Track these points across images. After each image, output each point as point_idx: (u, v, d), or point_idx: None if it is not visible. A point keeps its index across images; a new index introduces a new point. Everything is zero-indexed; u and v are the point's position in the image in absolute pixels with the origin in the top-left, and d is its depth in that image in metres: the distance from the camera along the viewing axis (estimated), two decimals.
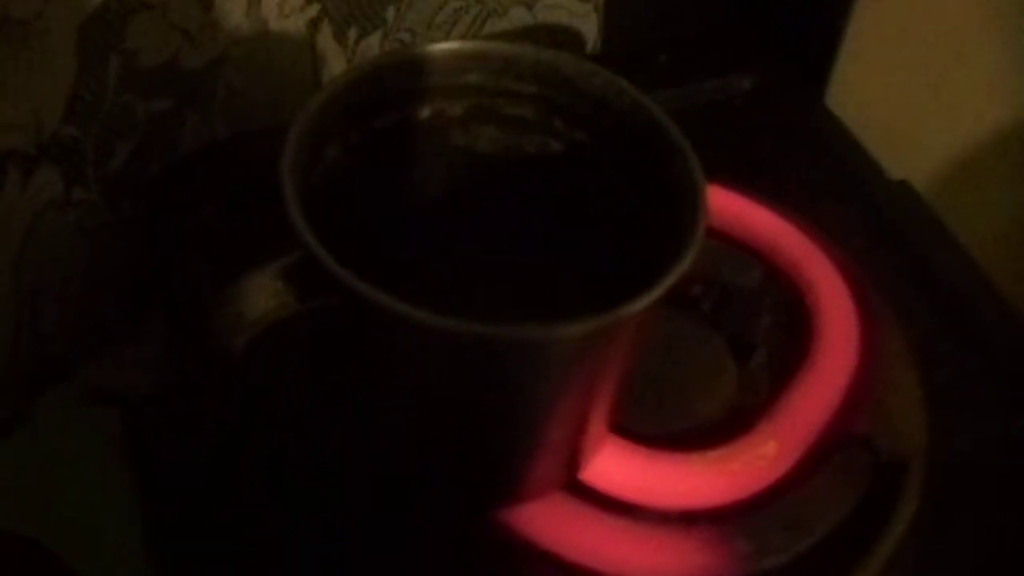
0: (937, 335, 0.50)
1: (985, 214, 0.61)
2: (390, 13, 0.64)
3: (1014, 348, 0.51)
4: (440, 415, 0.38)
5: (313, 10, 0.60)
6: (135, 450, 0.48)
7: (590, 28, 0.73)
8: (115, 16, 0.49)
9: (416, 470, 0.41)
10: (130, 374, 0.54)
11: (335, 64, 0.64)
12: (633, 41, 0.74)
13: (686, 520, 0.42)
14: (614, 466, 0.43)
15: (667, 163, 0.38)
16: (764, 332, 0.49)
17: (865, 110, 0.59)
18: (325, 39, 0.62)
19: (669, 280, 0.34)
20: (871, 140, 0.58)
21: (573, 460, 0.42)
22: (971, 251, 0.55)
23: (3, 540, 0.49)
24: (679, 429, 0.45)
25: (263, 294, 0.34)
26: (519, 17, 0.70)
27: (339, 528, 0.42)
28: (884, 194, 0.56)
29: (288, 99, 0.62)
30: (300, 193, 0.34)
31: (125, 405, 0.52)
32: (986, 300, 0.52)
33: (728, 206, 0.50)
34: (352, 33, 0.63)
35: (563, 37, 0.73)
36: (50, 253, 0.52)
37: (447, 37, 0.68)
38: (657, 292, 0.34)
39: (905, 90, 0.61)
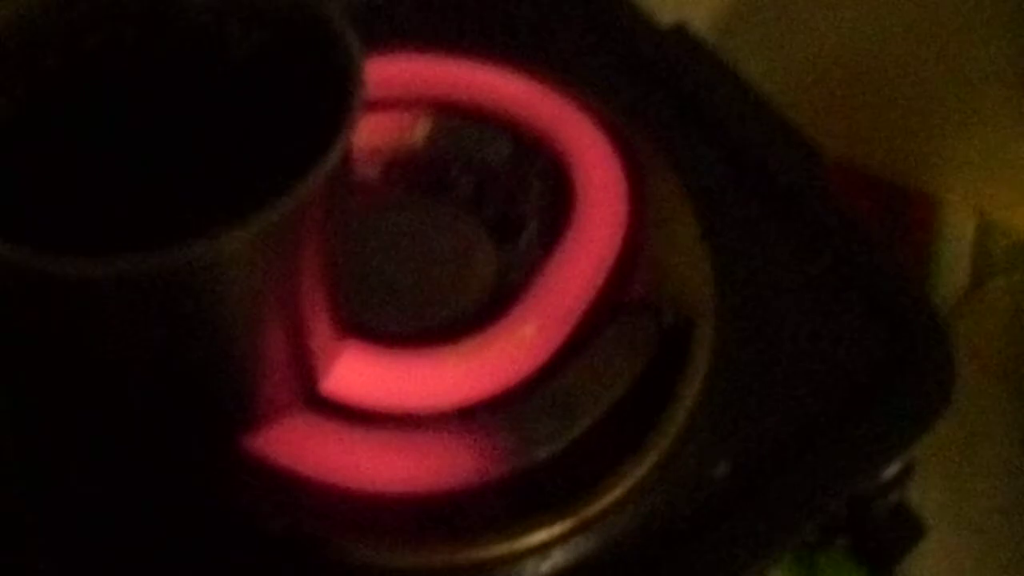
0: (722, 182, 0.47)
1: (768, 58, 0.58)
2: None
3: (804, 187, 0.47)
4: (137, 359, 0.34)
5: None
6: None
7: None
8: None
9: (135, 417, 0.37)
10: None
11: None
12: None
13: (443, 421, 0.39)
14: (356, 373, 0.39)
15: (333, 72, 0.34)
16: (532, 206, 0.45)
17: None
18: None
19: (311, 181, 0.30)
20: None
21: (304, 372, 0.38)
22: (756, 89, 0.51)
23: None
24: (435, 323, 0.41)
25: None
26: None
27: (81, 483, 0.38)
28: (655, 41, 0.52)
29: None
30: None
31: None
32: (773, 139, 0.49)
33: (467, 77, 0.46)
34: None
35: None
36: None
37: None
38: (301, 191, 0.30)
39: None
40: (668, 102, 0.49)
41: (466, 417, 0.39)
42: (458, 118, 0.45)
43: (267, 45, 0.37)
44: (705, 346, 0.41)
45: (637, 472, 0.38)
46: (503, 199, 0.45)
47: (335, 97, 0.33)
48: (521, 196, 0.45)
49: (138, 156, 0.39)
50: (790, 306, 0.44)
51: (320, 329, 0.37)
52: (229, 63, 0.38)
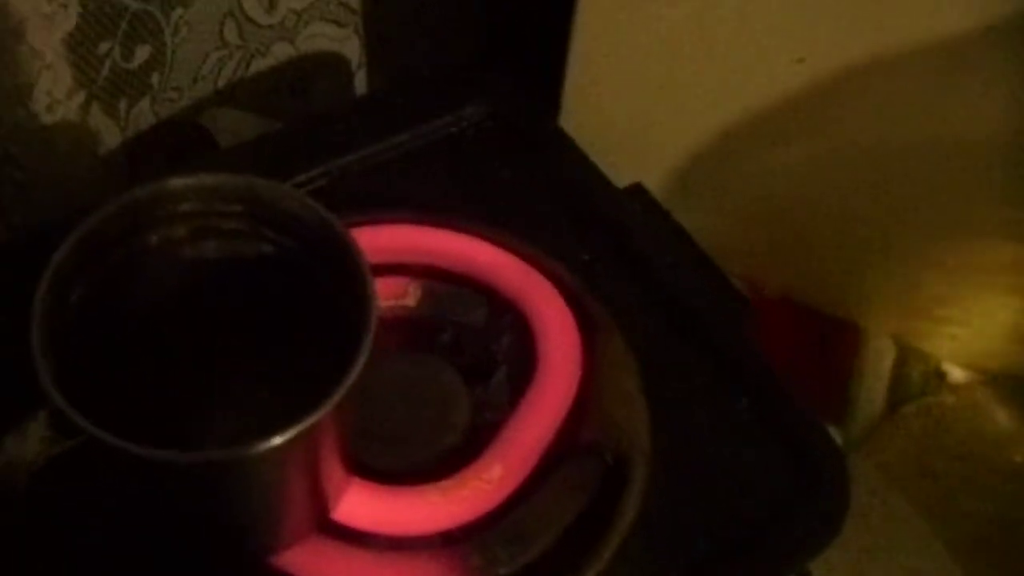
0: (660, 335, 0.56)
1: (717, 208, 0.67)
2: (154, 79, 0.68)
3: (731, 339, 0.56)
4: (191, 512, 0.45)
5: (80, 96, 0.65)
6: None
7: (352, 50, 0.78)
8: None
9: (184, 549, 0.47)
10: None
11: (110, 138, 0.68)
12: (396, 54, 0.79)
13: (425, 544, 0.48)
14: (359, 505, 0.49)
15: (350, 279, 0.44)
16: (502, 353, 0.54)
17: (599, 123, 0.64)
18: (96, 118, 0.67)
19: (329, 404, 0.40)
20: (609, 150, 0.62)
21: (321, 510, 0.48)
22: (711, 245, 0.60)
23: None
24: (421, 460, 0.51)
25: (34, 438, 0.42)
26: (282, 52, 0.74)
27: None
28: (613, 202, 0.61)
29: (73, 182, 0.67)
30: (48, 347, 0.41)
31: None
32: (709, 293, 0.58)
33: (452, 248, 0.56)
34: (122, 105, 0.68)
35: (329, 61, 0.77)
36: None
37: (214, 87, 0.72)
38: (314, 416, 0.40)
39: (635, 98, 0.66)
40: (621, 258, 0.59)
41: (443, 542, 0.48)
42: (443, 284, 0.55)
43: (293, 248, 0.47)
44: (638, 483, 0.50)
45: None
46: (478, 350, 0.54)
47: (348, 295, 0.43)
48: (493, 347, 0.54)
49: (182, 333, 0.49)
50: (713, 444, 0.53)
51: (334, 476, 0.47)
52: (263, 262, 0.48)
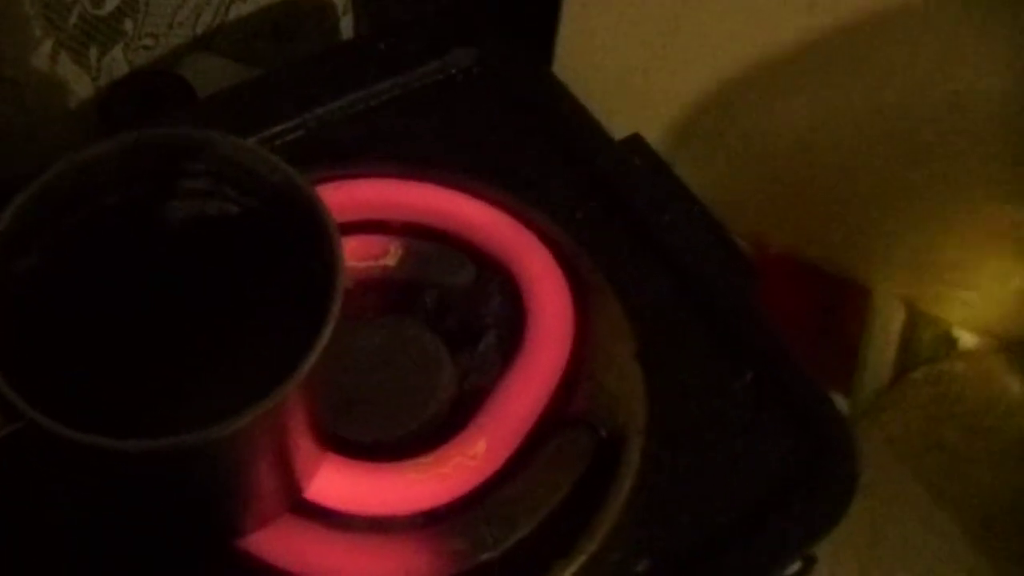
0: (659, 300, 0.53)
1: (719, 161, 0.64)
2: (127, 25, 0.64)
3: (737, 307, 0.53)
4: (147, 496, 0.42)
5: (47, 45, 0.61)
6: None
7: None
8: None
9: (145, 533, 0.44)
10: None
11: (81, 88, 0.65)
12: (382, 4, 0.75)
13: (404, 525, 0.45)
14: (333, 483, 0.45)
15: (317, 242, 0.40)
16: (490, 317, 0.51)
17: (595, 72, 0.60)
18: (65, 67, 0.63)
19: (288, 385, 0.36)
20: (605, 98, 0.59)
21: (292, 489, 0.44)
22: (712, 199, 0.57)
23: None
24: (401, 433, 0.48)
25: None
26: None
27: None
28: (610, 154, 0.57)
29: (43, 136, 0.64)
30: None
31: None
32: (713, 256, 0.54)
33: (437, 204, 0.52)
34: (93, 53, 0.64)
35: (311, 7, 0.73)
36: None
37: (192, 33, 0.69)
38: (275, 397, 0.36)
39: (633, 44, 0.62)
40: (618, 216, 0.55)
41: (423, 523, 0.45)
42: (427, 243, 0.51)
43: (257, 208, 0.44)
44: (634, 458, 0.47)
45: (567, 572, 0.45)
46: (463, 314, 0.51)
47: (317, 260, 0.40)
48: (480, 310, 0.51)
49: (143, 302, 0.46)
50: (713, 419, 0.50)
51: (305, 451, 0.44)
52: (224, 221, 0.44)
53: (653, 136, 0.60)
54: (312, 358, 0.37)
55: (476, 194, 0.53)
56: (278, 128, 0.56)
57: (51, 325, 0.42)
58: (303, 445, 0.43)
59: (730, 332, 0.52)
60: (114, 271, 0.45)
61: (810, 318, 0.66)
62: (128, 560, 0.44)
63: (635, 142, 0.59)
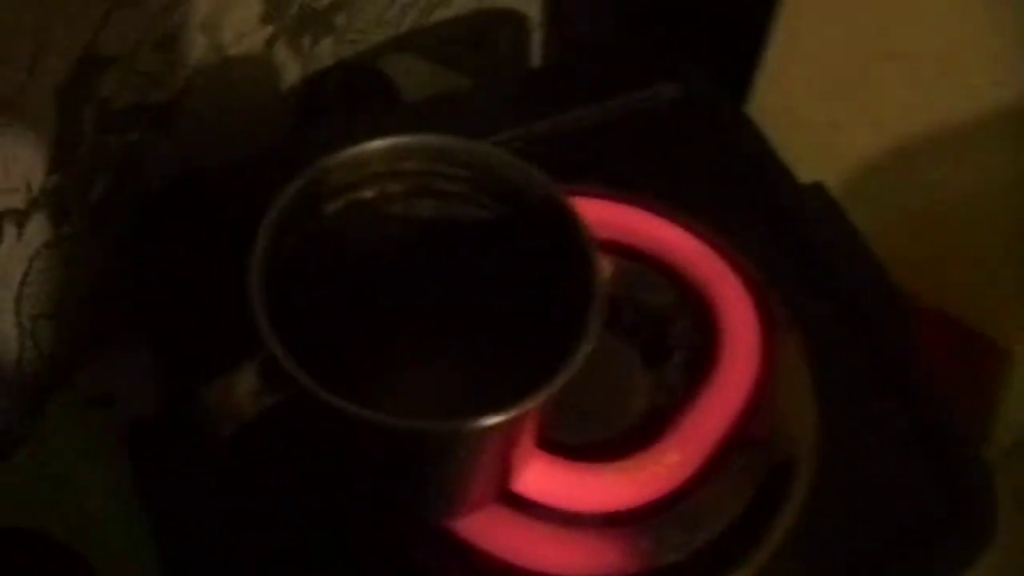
0: (829, 337, 0.57)
1: (886, 215, 0.66)
2: (340, 19, 0.69)
3: (899, 350, 0.57)
4: (383, 473, 0.46)
5: (266, 31, 0.65)
6: (139, 473, 0.53)
7: (534, 11, 0.78)
8: (88, 74, 0.54)
9: (369, 507, 0.49)
10: (125, 377, 0.60)
11: (290, 74, 0.69)
12: (576, 22, 0.79)
13: (599, 522, 0.49)
14: (541, 478, 0.50)
15: (574, 256, 0.44)
16: (678, 338, 0.55)
17: (785, 117, 0.63)
18: (280, 52, 0.67)
19: (556, 383, 0.40)
20: (795, 144, 0.63)
21: (506, 481, 0.49)
22: (878, 250, 0.60)
23: (16, 535, 0.56)
24: (600, 437, 0.52)
25: (241, 390, 0.41)
26: (464, 4, 0.74)
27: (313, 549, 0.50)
28: (794, 199, 0.61)
29: (249, 117, 0.68)
30: (267, 299, 0.41)
31: (117, 405, 0.60)
32: (880, 300, 0.59)
33: (643, 226, 0.56)
34: (306, 42, 0.68)
35: (508, 20, 0.77)
36: (46, 286, 0.58)
37: (396, 32, 0.73)
38: (544, 393, 0.40)
39: (824, 97, 0.66)
40: (797, 254, 0.59)
41: (615, 521, 0.50)
42: (630, 262, 0.56)
43: (511, 217, 0.47)
44: (803, 482, 0.51)
45: None
46: (654, 333, 0.55)
47: (569, 274, 0.44)
48: (669, 331, 0.55)
49: (387, 292, 0.50)
50: (868, 453, 0.54)
51: (526, 449, 0.48)
52: (479, 227, 0.48)
53: (832, 186, 0.63)
54: (576, 361, 0.41)
55: (677, 221, 0.57)
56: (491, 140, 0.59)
57: (301, 305, 0.46)
58: (527, 443, 0.47)
59: (892, 372, 0.56)
60: (363, 264, 0.49)
61: (950, 370, 0.69)
62: (340, 532, 0.49)
63: (817, 190, 0.63)
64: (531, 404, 0.40)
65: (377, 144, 0.46)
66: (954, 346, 0.70)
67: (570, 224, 0.45)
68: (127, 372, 0.61)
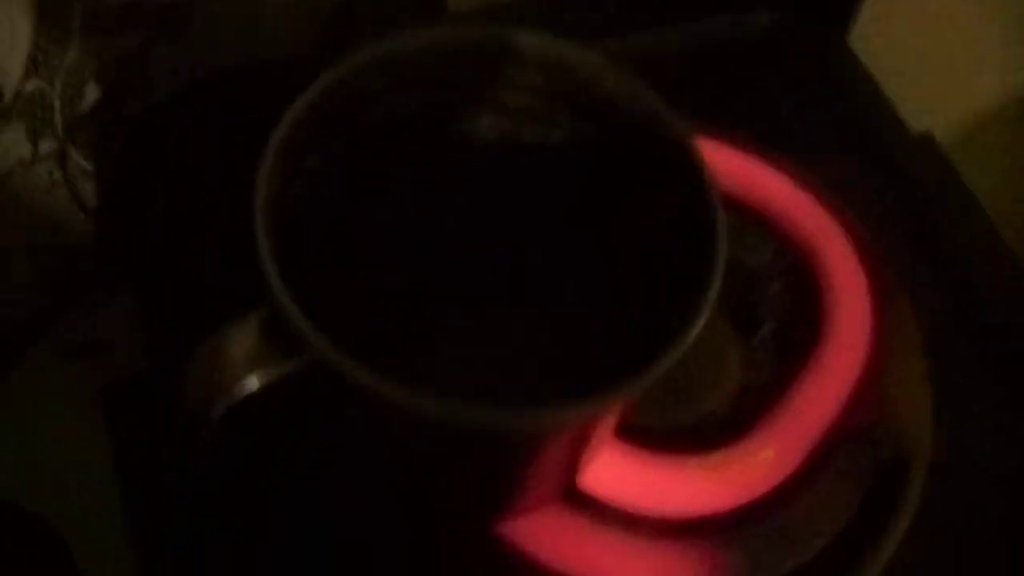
0: (948, 318, 0.48)
1: (1008, 170, 0.59)
2: None
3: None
4: (423, 470, 0.37)
5: None
6: (116, 435, 0.46)
7: None
8: None
9: (412, 504, 0.40)
10: (105, 326, 0.52)
11: None
12: None
13: (680, 530, 0.41)
14: (611, 473, 0.41)
15: (681, 202, 0.34)
16: (771, 304, 0.46)
17: (891, 52, 0.55)
18: None
19: (664, 363, 0.30)
20: (895, 84, 0.54)
21: (571, 476, 0.40)
22: (989, 212, 0.52)
23: None
24: (680, 421, 0.43)
25: (240, 359, 0.31)
26: None
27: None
28: (904, 150, 0.53)
29: (279, 21, 0.59)
30: (271, 229, 0.31)
31: (100, 355, 0.51)
32: (1001, 278, 0.50)
33: (741, 170, 0.47)
34: None
35: None
36: (19, 211, 0.50)
37: None
38: (648, 378, 0.30)
39: (934, 33, 0.58)
40: (905, 217, 0.51)
41: (700, 529, 0.41)
42: (733, 216, 0.46)
43: (595, 139, 0.37)
44: (917, 487, 0.43)
45: None
46: (747, 295, 0.46)
47: (675, 221, 0.34)
48: (762, 295, 0.46)
49: (430, 231, 0.40)
50: (988, 453, 0.45)
51: (600, 442, 0.39)
52: (551, 154, 0.38)
53: (942, 137, 0.55)
54: (682, 346, 0.30)
55: (772, 164, 0.48)
56: None
57: (324, 253, 0.36)
58: (603, 435, 0.38)
59: (1011, 357, 0.47)
60: (396, 198, 0.39)
61: None
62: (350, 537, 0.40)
63: (926, 142, 0.54)
64: (628, 391, 0.30)
65: (413, 41, 0.35)
66: None
67: (684, 160, 0.34)
68: (114, 319, 0.52)
